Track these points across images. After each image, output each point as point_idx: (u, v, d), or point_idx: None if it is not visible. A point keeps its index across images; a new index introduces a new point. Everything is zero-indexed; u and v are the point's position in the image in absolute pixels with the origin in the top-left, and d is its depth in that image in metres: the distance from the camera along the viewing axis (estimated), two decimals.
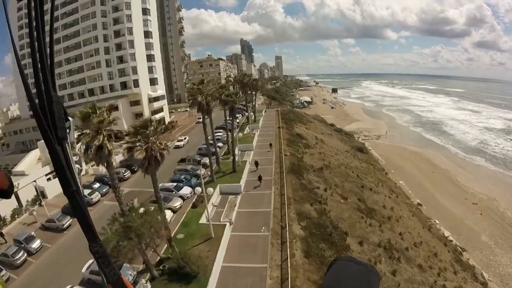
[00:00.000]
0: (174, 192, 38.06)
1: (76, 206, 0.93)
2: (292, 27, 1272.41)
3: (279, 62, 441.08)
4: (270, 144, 55.53)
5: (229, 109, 42.75)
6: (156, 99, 79.67)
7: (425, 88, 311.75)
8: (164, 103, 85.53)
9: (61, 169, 0.90)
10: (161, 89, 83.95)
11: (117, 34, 73.07)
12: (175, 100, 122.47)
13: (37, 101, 0.90)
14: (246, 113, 75.05)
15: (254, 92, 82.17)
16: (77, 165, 1.44)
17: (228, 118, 49.75)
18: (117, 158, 54.34)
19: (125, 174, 48.30)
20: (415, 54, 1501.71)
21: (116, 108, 69.86)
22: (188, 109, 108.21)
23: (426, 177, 69.54)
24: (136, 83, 72.99)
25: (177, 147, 61.71)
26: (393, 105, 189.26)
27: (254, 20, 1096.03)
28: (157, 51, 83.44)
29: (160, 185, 31.37)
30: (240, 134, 62.23)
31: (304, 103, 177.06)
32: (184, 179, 41.42)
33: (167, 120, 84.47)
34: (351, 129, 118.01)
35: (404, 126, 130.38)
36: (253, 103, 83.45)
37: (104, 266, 0.98)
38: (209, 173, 43.00)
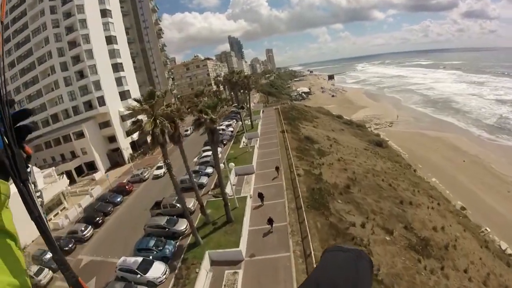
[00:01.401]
0: (139, 276, 23.15)
1: (40, 228, 1.07)
2: (279, 19, 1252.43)
3: (271, 56, 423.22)
4: (277, 168, 38.61)
5: (207, 132, 27.30)
6: (131, 115, 62.84)
7: (421, 64, 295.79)
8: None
9: (25, 201, 1.06)
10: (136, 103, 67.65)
11: (72, 44, 57.18)
12: None
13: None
14: (240, 120, 59.76)
15: (247, 92, 67.06)
16: (39, 199, 0.82)
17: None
18: (70, 214, 40.18)
19: (84, 232, 33.81)
20: (405, 31, 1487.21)
21: (81, 135, 55.42)
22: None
23: (458, 168, 59.87)
24: (101, 101, 57.46)
25: (156, 177, 46.67)
26: (394, 86, 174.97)
27: (240, 17, 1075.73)
28: (126, 59, 67.66)
29: (118, 262, 25.08)
30: (232, 151, 48.70)
31: (303, 94, 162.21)
32: (154, 248, 26.21)
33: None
34: (360, 118, 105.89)
35: (413, 108, 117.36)
36: (248, 104, 69.36)
37: (64, 271, 1.13)
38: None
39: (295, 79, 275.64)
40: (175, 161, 30.59)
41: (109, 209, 39.08)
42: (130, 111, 24.46)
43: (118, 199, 41.16)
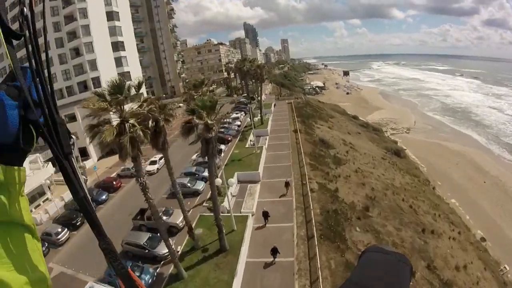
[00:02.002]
0: None
1: (85, 209, 0.99)
2: (296, 10, 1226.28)
3: (286, 46, 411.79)
4: (287, 184, 31.17)
5: (201, 142, 20.57)
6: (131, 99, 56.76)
7: (438, 69, 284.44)
8: None
9: (70, 179, 0.96)
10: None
11: (69, 19, 51.35)
12: (169, 93, 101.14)
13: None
14: (249, 114, 53.49)
15: (259, 83, 61.18)
16: (82, 176, 0.88)
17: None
18: (50, 208, 34.85)
19: (59, 236, 28.76)
20: (423, 34, 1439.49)
21: (73, 118, 49.31)
22: (181, 104, 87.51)
23: (478, 189, 54.80)
24: (96, 82, 51.21)
25: (149, 173, 39.65)
26: (411, 89, 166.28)
27: (257, 4, 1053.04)
28: (128, 37, 61.60)
29: None
30: (237, 151, 42.81)
31: (317, 88, 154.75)
32: None
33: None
34: (375, 120, 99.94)
35: (430, 115, 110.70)
36: (259, 97, 62.20)
37: (112, 261, 1.04)
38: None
39: (309, 72, 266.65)
40: (172, 154, 24.91)
41: (102, 197, 34.76)
42: (87, 108, 16.68)
43: (103, 197, 35.58)
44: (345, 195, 34.06)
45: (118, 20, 57.59)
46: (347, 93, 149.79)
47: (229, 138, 50.28)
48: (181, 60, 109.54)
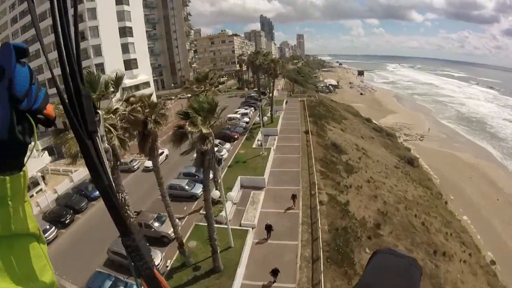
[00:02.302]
0: None
1: (109, 200, 0.86)
2: (314, 5, 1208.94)
3: (301, 42, 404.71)
4: (294, 197, 27.67)
5: (197, 153, 17.56)
6: (136, 88, 54.58)
7: (454, 75, 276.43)
8: (149, 92, 59.45)
9: (93, 164, 0.83)
10: (144, 74, 58.90)
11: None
12: (179, 83, 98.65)
13: (65, 95, 0.86)
14: (259, 111, 50.49)
15: (272, 79, 57.73)
16: (108, 161, 0.70)
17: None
18: (41, 201, 32.60)
19: (46, 234, 25.88)
20: (441, 38, 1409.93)
21: None
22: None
23: (492, 207, 52.33)
24: (100, 69, 47.23)
25: (147, 169, 37.60)
26: (426, 94, 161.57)
27: None
28: (138, 23, 58.47)
29: None
30: (243, 152, 40.42)
31: (330, 87, 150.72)
32: None
33: None
34: (389, 124, 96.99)
35: (445, 123, 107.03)
36: (271, 94, 59.02)
37: (136, 260, 0.91)
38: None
39: (323, 69, 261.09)
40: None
41: (82, 205, 31.24)
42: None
43: (96, 193, 32.67)
44: (356, 209, 31.33)
45: (128, 4, 54.72)
46: (361, 94, 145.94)
47: (236, 136, 47.38)
48: (194, 49, 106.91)
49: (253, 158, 37.97)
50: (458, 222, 44.74)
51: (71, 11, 0.89)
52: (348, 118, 71.21)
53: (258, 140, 43.61)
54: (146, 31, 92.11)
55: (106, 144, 0.96)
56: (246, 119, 56.16)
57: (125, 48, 53.88)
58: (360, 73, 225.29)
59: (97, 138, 0.88)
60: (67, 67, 0.85)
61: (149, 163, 38.00)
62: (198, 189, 30.16)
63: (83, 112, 0.82)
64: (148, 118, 16.21)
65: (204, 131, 15.78)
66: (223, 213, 22.97)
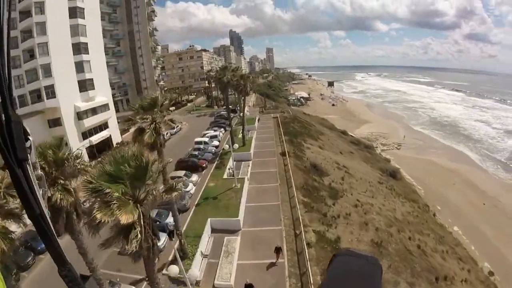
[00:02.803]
0: None
1: (41, 230, 0.82)
2: (282, 20, 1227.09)
3: (270, 56, 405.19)
4: (277, 251, 21.32)
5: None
6: (93, 111, 48.88)
7: (420, 81, 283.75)
8: (109, 115, 53.24)
9: (23, 192, 0.79)
10: (102, 95, 52.07)
11: (25, 14, 41.97)
12: None
13: None
14: (230, 133, 46.25)
15: (242, 97, 51.69)
16: (41, 188, 0.67)
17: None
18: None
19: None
20: (406, 46, 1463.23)
21: None
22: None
23: (479, 212, 50.85)
24: (50, 91, 42.16)
25: None
26: (396, 101, 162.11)
27: (243, 13, 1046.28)
28: (95, 38, 51.25)
29: None
30: (212, 184, 34.81)
31: (301, 99, 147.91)
32: None
33: (116, 138, 54.47)
34: (364, 134, 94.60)
35: (419, 129, 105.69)
36: (241, 112, 52.16)
37: None
38: None
39: (293, 82, 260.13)
40: None
41: (28, 260, 23.53)
42: None
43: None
44: (349, 243, 26.58)
45: (83, 18, 47.73)
46: (333, 105, 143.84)
47: (204, 164, 41.36)
48: (160, 66, 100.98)
49: (224, 192, 31.97)
50: (450, 235, 42.39)
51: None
52: (324, 133, 67.32)
53: (229, 169, 38.04)
54: (110, 48, 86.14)
55: (39, 171, 0.98)
56: (216, 143, 50.98)
57: (79, 66, 46.70)
58: (330, 84, 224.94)
59: (27, 165, 0.82)
60: None
61: None
62: (160, 239, 24.11)
63: (12, 139, 0.75)
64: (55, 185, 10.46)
65: (125, 219, 9.44)
66: (192, 270, 17.35)
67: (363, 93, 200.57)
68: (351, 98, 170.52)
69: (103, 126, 51.43)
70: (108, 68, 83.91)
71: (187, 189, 31.20)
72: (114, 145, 51.45)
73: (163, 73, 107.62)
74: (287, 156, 41.80)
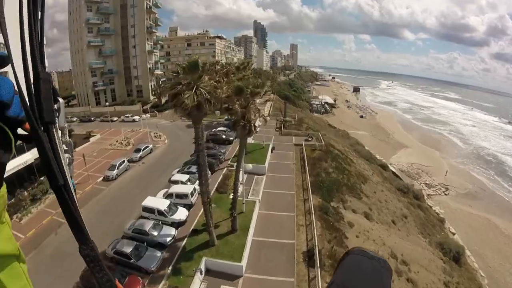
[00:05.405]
0: None
1: (64, 202, 0.74)
2: (308, 17, 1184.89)
3: (294, 53, 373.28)
4: None
5: None
6: None
7: (450, 97, 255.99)
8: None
9: (46, 159, 0.70)
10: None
11: None
12: (133, 96, 70.56)
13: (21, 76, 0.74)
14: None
15: (247, 133, 20.15)
16: (67, 155, 0.63)
17: None
18: None
19: None
20: (431, 58, 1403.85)
21: None
22: (144, 115, 57.26)
23: None
24: None
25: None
26: (429, 121, 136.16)
27: (270, 6, 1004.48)
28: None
29: None
30: None
31: (326, 106, 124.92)
32: None
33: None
34: (403, 166, 73.55)
35: (460, 165, 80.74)
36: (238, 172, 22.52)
37: (95, 271, 0.80)
38: None
39: (316, 83, 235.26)
40: None
41: None
42: None
43: None
44: None
45: None
46: (361, 117, 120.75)
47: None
48: (154, 49, 76.52)
49: None
50: None
51: None
52: (367, 177, 43.76)
53: None
54: (94, 24, 65.17)
55: (67, 138, 0.95)
56: (180, 216, 23.82)
57: None
58: (356, 89, 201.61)
59: (54, 130, 0.75)
60: (27, 44, 0.71)
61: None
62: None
63: (39, 99, 0.68)
64: None
65: None
66: None
67: (390, 104, 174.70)
68: (380, 109, 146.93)
69: None
70: (89, 49, 63.27)
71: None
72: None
73: (167, 60, 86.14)
74: (318, 262, 19.95)
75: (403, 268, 27.21)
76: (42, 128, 0.69)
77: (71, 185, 0.73)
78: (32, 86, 0.67)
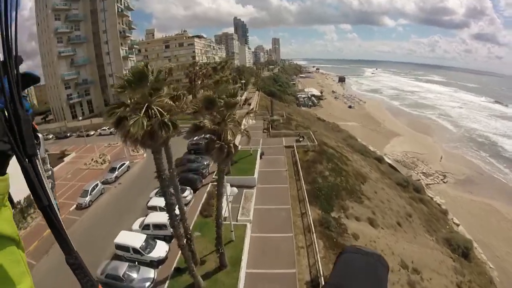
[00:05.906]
0: None
1: (50, 220, 0.87)
2: (288, 11, 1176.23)
3: (276, 47, 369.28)
4: None
5: None
6: None
7: (434, 80, 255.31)
8: None
9: (32, 185, 0.84)
10: None
11: None
12: (111, 104, 66.75)
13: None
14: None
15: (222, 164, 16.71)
16: (50, 180, 0.75)
17: None
18: None
19: None
20: (413, 43, 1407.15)
21: None
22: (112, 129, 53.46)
23: None
24: None
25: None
26: (416, 105, 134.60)
27: (249, 2, 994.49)
28: None
29: None
30: None
31: (313, 99, 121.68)
32: None
33: None
34: (398, 155, 71.47)
35: (453, 150, 78.78)
36: (220, 172, 16.91)
37: (80, 277, 0.92)
38: None
39: (301, 75, 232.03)
40: None
41: None
42: None
43: None
44: None
45: None
46: (349, 107, 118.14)
47: None
48: (131, 56, 71.77)
49: None
50: None
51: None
52: (367, 176, 40.26)
53: None
54: (64, 33, 60.58)
55: (49, 165, 1.01)
56: (159, 253, 20.00)
57: None
58: (341, 79, 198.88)
59: (36, 161, 0.86)
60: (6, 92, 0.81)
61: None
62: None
63: (22, 135, 0.79)
64: None
65: None
66: None
67: (376, 92, 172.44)
68: (367, 97, 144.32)
69: None
70: (60, 60, 58.75)
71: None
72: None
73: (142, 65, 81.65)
74: None
75: (416, 278, 24.59)
76: (26, 160, 0.79)
77: (55, 205, 0.84)
78: (16, 127, 0.76)
